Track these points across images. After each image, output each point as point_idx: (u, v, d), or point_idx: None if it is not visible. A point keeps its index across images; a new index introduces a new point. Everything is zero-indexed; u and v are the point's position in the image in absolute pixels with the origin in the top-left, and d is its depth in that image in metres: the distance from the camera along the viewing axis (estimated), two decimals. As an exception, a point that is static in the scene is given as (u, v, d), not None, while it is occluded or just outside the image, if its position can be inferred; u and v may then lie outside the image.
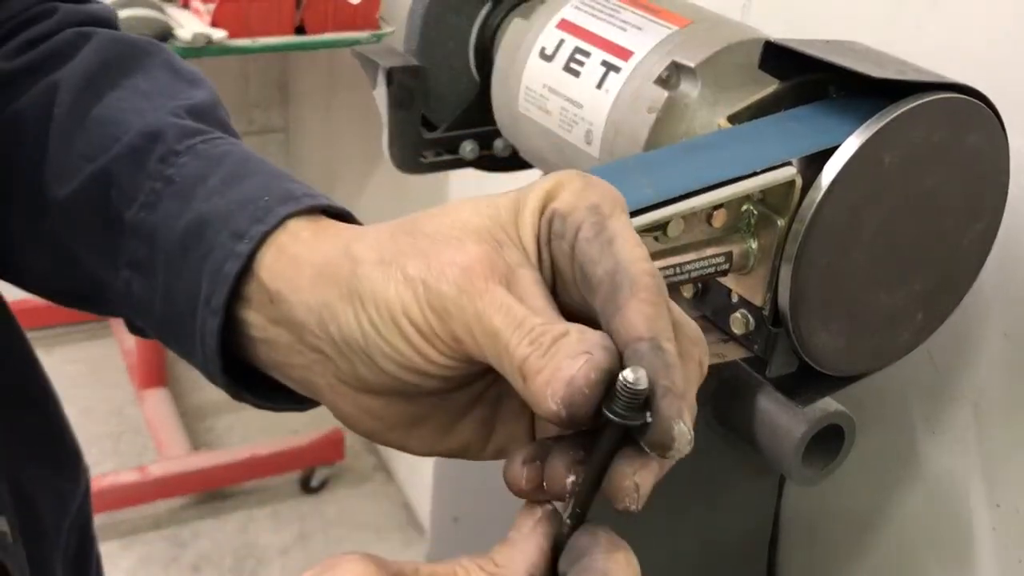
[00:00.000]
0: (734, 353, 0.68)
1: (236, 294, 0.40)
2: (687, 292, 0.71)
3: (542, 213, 0.35)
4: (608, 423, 0.31)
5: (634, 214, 0.58)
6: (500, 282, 0.33)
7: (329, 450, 2.11)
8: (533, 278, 0.34)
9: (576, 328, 0.32)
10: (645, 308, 0.32)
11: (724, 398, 0.74)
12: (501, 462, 0.35)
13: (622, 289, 0.32)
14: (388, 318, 0.35)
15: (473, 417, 0.39)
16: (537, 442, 0.35)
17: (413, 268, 0.34)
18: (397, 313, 0.34)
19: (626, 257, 0.33)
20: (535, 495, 0.34)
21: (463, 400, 0.38)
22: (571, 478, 0.32)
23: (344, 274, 0.36)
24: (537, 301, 0.34)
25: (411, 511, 2.06)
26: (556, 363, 0.31)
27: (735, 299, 0.68)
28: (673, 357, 0.31)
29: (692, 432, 0.30)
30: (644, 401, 0.30)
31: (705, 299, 0.71)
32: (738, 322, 0.68)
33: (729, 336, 0.69)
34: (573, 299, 0.36)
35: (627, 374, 0.30)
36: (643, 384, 0.30)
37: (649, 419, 0.30)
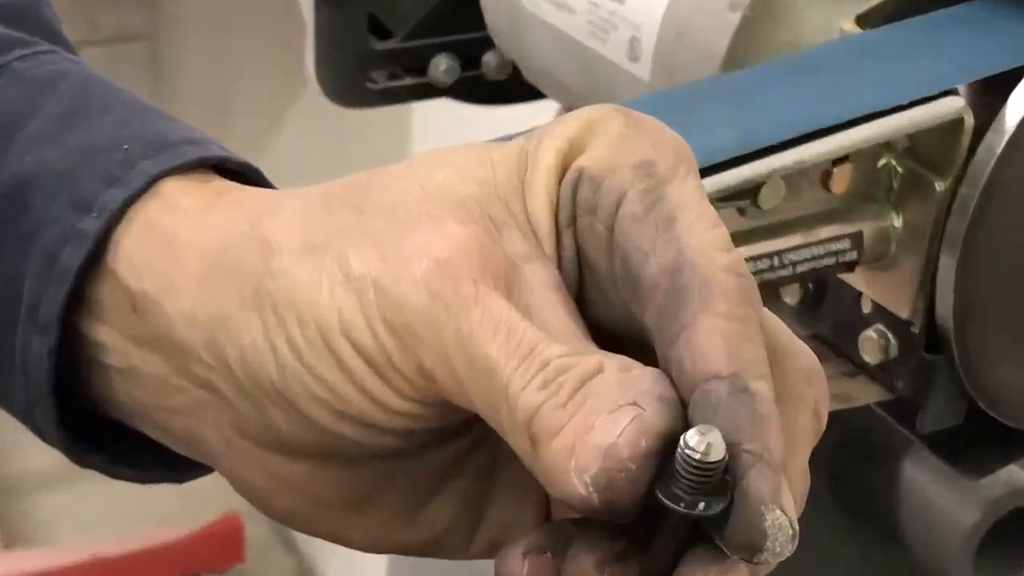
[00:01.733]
0: (864, 394, 0.67)
1: (79, 298, 0.39)
2: (790, 296, 0.70)
3: (563, 175, 0.36)
4: (666, 512, 0.31)
5: (706, 172, 0.57)
6: (496, 285, 0.34)
7: (221, 548, 2.02)
8: (547, 279, 0.35)
9: (616, 362, 0.33)
10: (725, 327, 0.32)
11: (848, 463, 0.72)
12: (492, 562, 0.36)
13: (689, 297, 0.33)
14: (318, 339, 0.35)
15: (451, 494, 0.39)
16: (550, 524, 0.36)
17: (359, 261, 0.35)
18: (333, 332, 0.35)
19: (696, 245, 0.33)
20: None
21: (435, 466, 0.39)
22: None
23: (250, 268, 0.37)
24: (554, 316, 0.35)
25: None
26: (585, 420, 0.32)
27: (867, 308, 0.67)
28: (767, 405, 0.32)
29: (796, 524, 0.31)
30: (721, 477, 0.31)
31: (820, 308, 0.70)
32: (872, 345, 0.66)
33: (857, 366, 0.68)
34: (611, 309, 0.36)
35: (692, 439, 0.31)
36: (716, 455, 0.30)
37: (728, 503, 0.31)
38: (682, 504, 0.31)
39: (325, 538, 0.40)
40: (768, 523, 0.31)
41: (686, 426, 0.32)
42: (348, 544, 0.40)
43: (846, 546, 0.80)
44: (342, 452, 0.37)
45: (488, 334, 0.34)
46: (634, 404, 0.32)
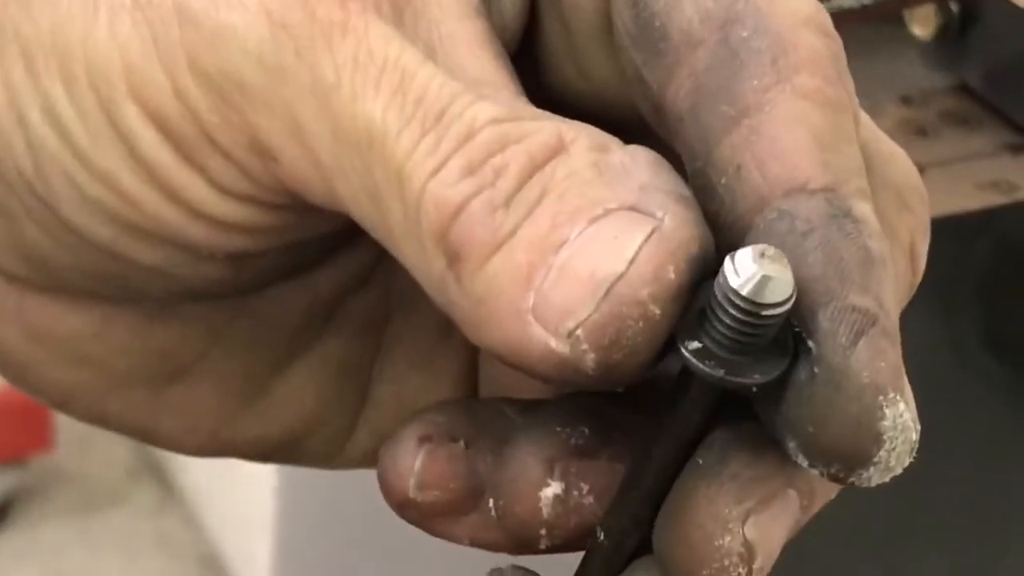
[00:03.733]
0: None
1: None
2: (921, 25, 0.66)
3: None
4: (691, 380, 0.29)
5: None
6: (378, 8, 0.31)
7: (16, 430, 1.71)
8: (460, 5, 0.32)
9: (585, 135, 0.30)
10: (814, 115, 0.30)
11: (1007, 287, 0.69)
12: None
13: (756, 63, 0.30)
14: (91, 102, 0.33)
15: (316, 359, 0.37)
16: (470, 402, 0.35)
17: None
18: (114, 90, 0.32)
19: None
20: (443, 520, 0.32)
21: (290, 315, 0.37)
22: (552, 490, 0.31)
23: None
24: (471, 58, 0.32)
25: (217, 566, 1.90)
26: (551, 227, 0.29)
27: None
28: (879, 240, 0.29)
29: (919, 426, 0.29)
30: (781, 331, 0.28)
31: (968, 44, 0.66)
32: None
33: None
34: (587, 76, 0.34)
35: (744, 265, 0.28)
36: (781, 294, 0.28)
37: (787, 368, 0.29)
38: (713, 364, 0.28)
39: (122, 431, 0.38)
40: (888, 422, 0.28)
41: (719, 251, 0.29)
42: (157, 441, 0.38)
43: (997, 410, 0.77)
44: (141, 292, 0.35)
45: (367, 82, 0.30)
46: (632, 208, 0.28)
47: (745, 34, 0.31)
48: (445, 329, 0.36)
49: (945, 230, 0.58)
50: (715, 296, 0.28)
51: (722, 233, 0.30)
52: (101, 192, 0.33)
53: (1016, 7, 0.65)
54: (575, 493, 0.31)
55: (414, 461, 0.32)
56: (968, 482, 0.82)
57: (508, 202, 0.29)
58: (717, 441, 0.30)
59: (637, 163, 0.30)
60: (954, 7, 0.67)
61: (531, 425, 0.32)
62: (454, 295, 0.30)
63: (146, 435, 0.38)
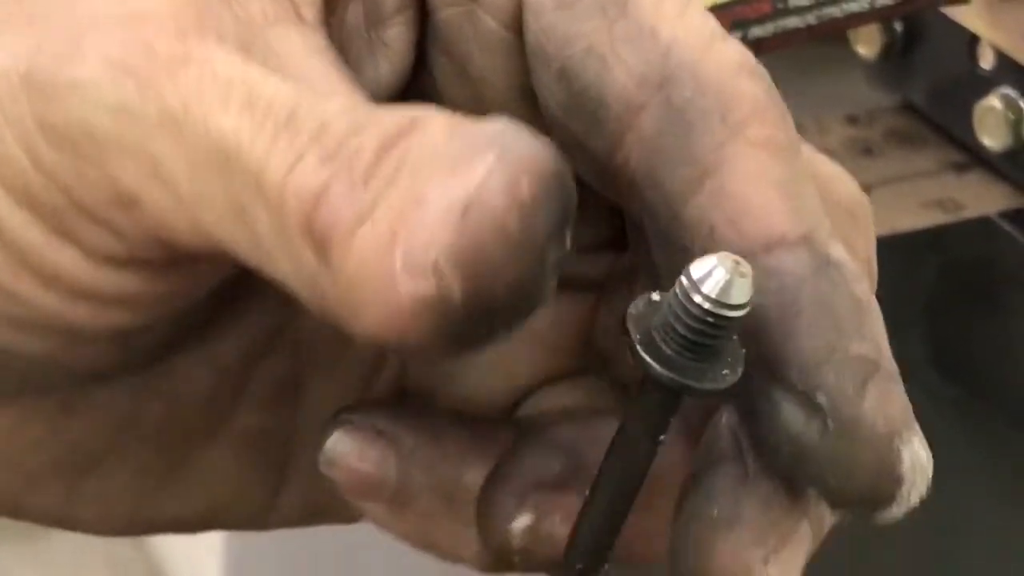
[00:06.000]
0: (981, 198, 0.63)
1: None
2: (866, 45, 0.66)
3: None
4: (648, 390, 0.29)
5: None
6: (220, 41, 0.31)
7: None
8: (304, 44, 0.32)
9: (439, 113, 0.29)
10: (773, 164, 0.30)
11: (952, 306, 0.68)
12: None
13: (705, 121, 0.31)
14: None
15: (231, 433, 0.36)
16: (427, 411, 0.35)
17: (4, 48, 0.31)
18: None
19: (683, 38, 0.31)
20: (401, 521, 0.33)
21: (198, 393, 0.36)
22: (523, 521, 0.32)
23: None
24: (322, 77, 0.31)
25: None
26: (410, 193, 0.28)
27: (988, 63, 0.63)
28: (863, 282, 0.29)
29: (927, 447, 0.29)
30: (734, 344, 0.28)
31: (912, 63, 0.65)
32: (995, 119, 0.62)
33: (970, 155, 0.64)
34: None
35: (708, 264, 0.28)
36: (745, 295, 0.28)
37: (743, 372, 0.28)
38: (670, 369, 0.28)
39: (40, 522, 0.37)
40: (906, 463, 0.28)
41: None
42: (75, 528, 0.37)
43: (944, 428, 0.74)
44: (19, 384, 0.33)
45: (215, 102, 0.29)
46: (472, 145, 0.28)
47: (688, 94, 0.31)
48: (362, 390, 0.36)
49: (891, 248, 0.58)
50: (675, 297, 0.28)
51: None
52: None
53: (959, 26, 0.65)
54: (547, 523, 0.32)
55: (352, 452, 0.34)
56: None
57: (367, 179, 0.29)
58: (725, 484, 0.30)
59: (492, 122, 0.29)
60: (898, 26, 0.67)
61: (515, 456, 0.33)
62: (327, 286, 0.29)
63: (64, 524, 0.37)
